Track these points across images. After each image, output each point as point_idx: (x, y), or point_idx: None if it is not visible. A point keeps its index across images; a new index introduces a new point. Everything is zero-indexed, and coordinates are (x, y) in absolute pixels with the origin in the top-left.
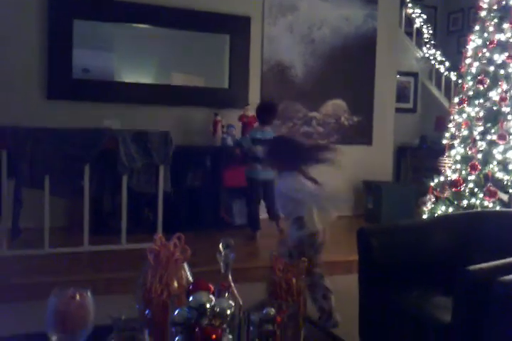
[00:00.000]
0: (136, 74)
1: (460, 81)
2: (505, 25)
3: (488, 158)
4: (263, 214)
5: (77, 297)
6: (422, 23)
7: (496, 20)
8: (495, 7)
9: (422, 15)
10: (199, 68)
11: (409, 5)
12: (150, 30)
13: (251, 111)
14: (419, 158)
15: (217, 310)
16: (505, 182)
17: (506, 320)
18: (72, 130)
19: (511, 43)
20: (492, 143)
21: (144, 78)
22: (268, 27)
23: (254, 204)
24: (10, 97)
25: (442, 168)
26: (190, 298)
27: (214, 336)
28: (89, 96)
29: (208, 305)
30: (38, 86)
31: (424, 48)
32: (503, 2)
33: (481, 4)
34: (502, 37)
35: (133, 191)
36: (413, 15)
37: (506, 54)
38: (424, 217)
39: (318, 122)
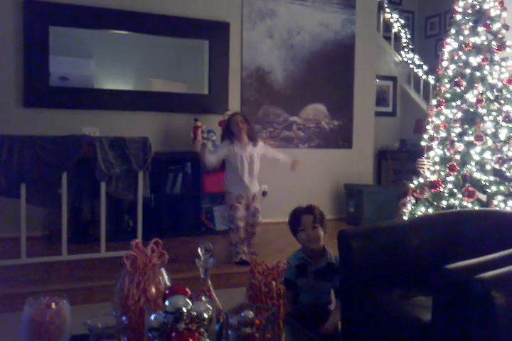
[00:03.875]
0: (115, 81)
1: (438, 84)
2: (480, 29)
3: (466, 158)
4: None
5: (53, 306)
6: (400, 28)
7: (470, 23)
8: (469, 11)
9: (399, 19)
10: (179, 74)
11: (387, 10)
12: (129, 37)
13: None
14: (399, 160)
15: (194, 314)
16: (483, 183)
17: (485, 317)
18: (50, 137)
19: (486, 46)
20: (469, 144)
21: (123, 85)
22: (247, 32)
23: None
24: None
25: (421, 170)
26: (166, 303)
27: (191, 340)
28: (68, 104)
29: (184, 309)
30: (15, 94)
31: (403, 52)
32: (477, 6)
33: (456, 8)
34: (477, 40)
35: (112, 198)
36: (391, 20)
37: (481, 57)
38: (405, 218)
39: (299, 127)
